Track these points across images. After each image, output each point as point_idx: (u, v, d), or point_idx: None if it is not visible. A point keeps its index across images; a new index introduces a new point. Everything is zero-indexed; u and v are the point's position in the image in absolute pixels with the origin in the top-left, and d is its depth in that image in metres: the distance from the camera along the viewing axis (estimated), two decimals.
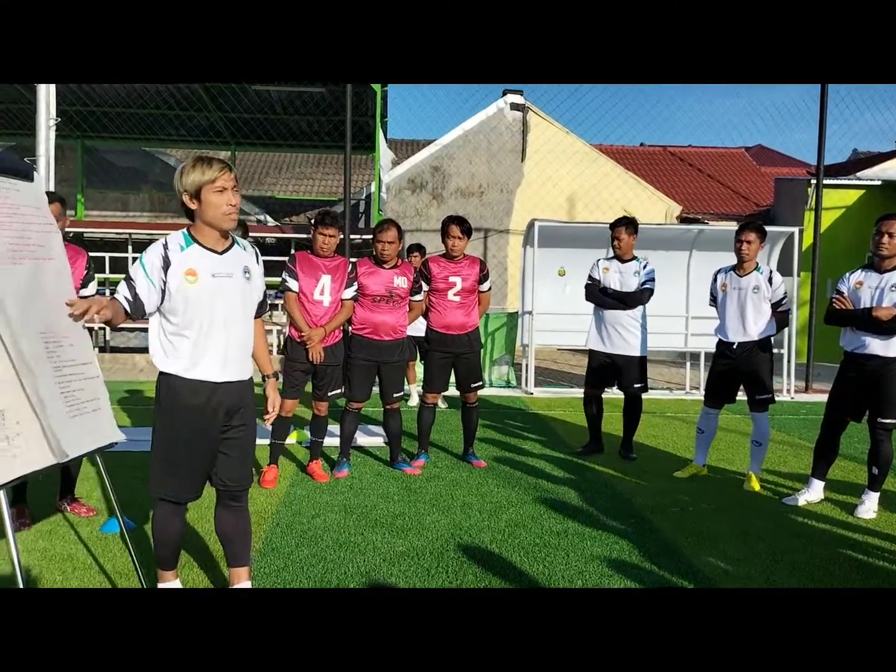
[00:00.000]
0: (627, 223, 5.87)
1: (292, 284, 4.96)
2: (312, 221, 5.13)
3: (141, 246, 13.48)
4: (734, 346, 5.18)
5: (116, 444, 2.66)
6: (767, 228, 5.44)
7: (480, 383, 5.66)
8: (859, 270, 4.64)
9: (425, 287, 5.45)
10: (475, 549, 3.89)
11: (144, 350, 12.03)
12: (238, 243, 2.91)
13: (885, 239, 4.40)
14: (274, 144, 14.81)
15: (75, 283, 4.27)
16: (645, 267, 5.84)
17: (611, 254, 6.11)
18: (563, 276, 10.03)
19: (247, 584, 2.93)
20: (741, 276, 5.19)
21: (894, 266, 4.45)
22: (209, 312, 2.74)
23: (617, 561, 3.77)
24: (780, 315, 5.18)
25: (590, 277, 6.04)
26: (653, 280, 5.82)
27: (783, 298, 5.15)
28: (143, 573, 2.71)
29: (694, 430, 5.82)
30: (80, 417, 2.47)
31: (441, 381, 5.59)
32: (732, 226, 8.24)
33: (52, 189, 8.53)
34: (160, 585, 2.85)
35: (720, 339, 5.31)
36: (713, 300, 5.44)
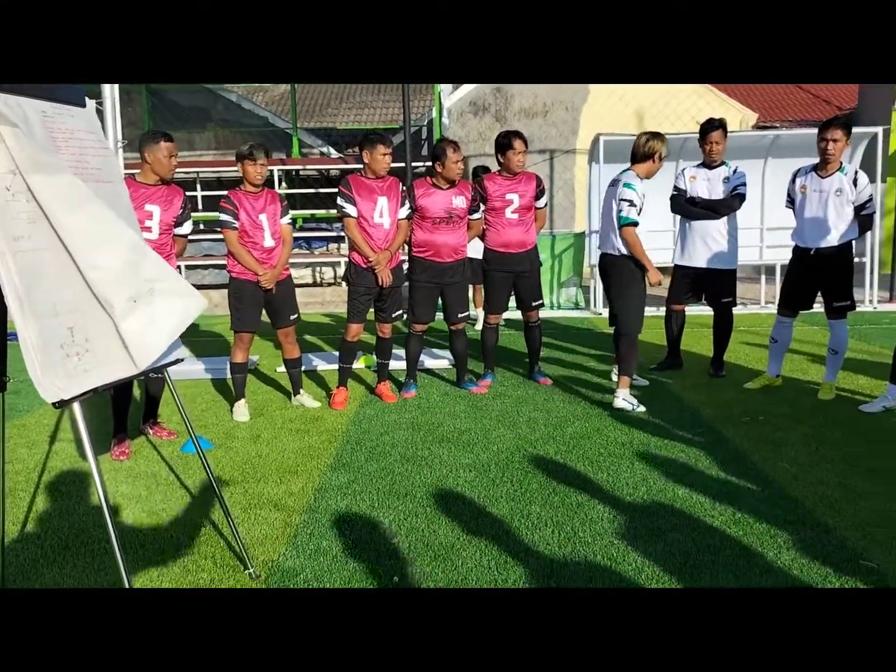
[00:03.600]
0: (721, 125, 5.58)
1: (350, 210, 4.89)
2: (358, 146, 5.07)
3: (209, 185, 13.77)
4: (811, 252, 4.95)
5: (182, 360, 2.75)
6: None
7: (541, 302, 5.59)
8: None
9: (483, 206, 5.37)
10: (540, 460, 3.93)
11: (218, 286, 12.35)
12: None
13: None
14: None
15: (170, 221, 4.38)
16: (735, 171, 5.58)
17: (697, 162, 5.83)
18: None
19: None
20: (823, 178, 4.90)
21: None
22: None
23: (684, 467, 3.75)
24: (864, 219, 4.89)
25: (675, 188, 5.81)
26: (744, 185, 5.57)
27: (868, 201, 4.84)
28: (220, 488, 2.84)
29: (768, 343, 5.65)
30: (152, 333, 2.55)
31: (502, 300, 5.55)
32: (809, 131, 7.76)
33: (119, 132, 8.72)
34: None
35: (797, 245, 5.07)
36: (790, 202, 5.17)
